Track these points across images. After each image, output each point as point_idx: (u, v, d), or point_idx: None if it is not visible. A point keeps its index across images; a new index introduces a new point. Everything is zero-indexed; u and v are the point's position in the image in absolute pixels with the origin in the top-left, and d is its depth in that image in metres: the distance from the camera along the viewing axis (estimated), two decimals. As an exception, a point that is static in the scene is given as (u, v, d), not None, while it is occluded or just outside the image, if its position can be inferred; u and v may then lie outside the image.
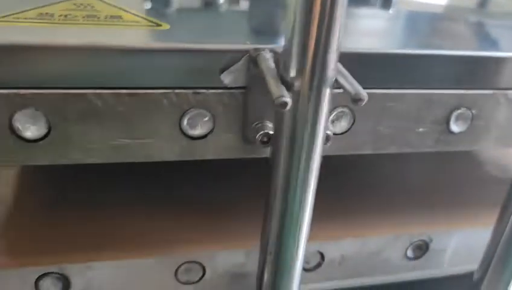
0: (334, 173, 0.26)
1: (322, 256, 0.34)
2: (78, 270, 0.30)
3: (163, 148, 0.27)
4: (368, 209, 0.37)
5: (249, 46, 0.25)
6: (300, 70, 0.22)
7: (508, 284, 0.34)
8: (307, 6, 0.20)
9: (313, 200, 0.26)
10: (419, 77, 0.28)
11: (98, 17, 0.29)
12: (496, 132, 0.31)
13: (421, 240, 0.35)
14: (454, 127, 0.30)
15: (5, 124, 0.25)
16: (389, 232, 0.35)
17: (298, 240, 0.27)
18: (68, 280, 0.31)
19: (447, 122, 0.30)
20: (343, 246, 0.34)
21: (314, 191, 0.25)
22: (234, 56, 0.25)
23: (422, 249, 0.36)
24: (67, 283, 0.31)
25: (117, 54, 0.25)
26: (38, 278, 0.30)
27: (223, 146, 0.28)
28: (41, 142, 0.26)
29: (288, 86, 0.22)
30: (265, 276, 0.28)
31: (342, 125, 0.28)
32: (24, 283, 0.30)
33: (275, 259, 0.28)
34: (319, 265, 0.34)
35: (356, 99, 0.21)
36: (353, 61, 0.24)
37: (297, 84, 0.22)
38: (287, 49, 0.22)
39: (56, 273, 0.30)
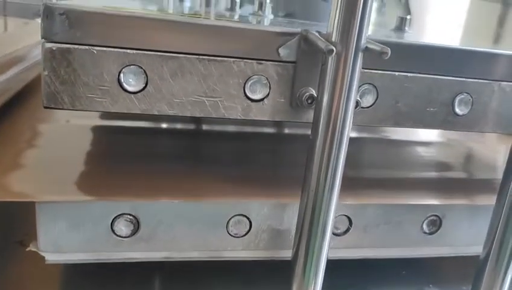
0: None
1: (350, 221, 0.40)
2: (147, 212, 0.37)
3: (230, 107, 0.35)
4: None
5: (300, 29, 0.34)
6: (340, 40, 0.30)
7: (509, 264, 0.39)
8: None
9: (345, 157, 0.33)
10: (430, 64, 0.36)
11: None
12: (493, 117, 0.38)
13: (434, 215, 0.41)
14: (458, 110, 0.37)
15: (115, 77, 0.33)
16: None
17: (331, 194, 0.33)
18: (138, 222, 0.37)
19: (452, 105, 0.37)
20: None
21: (347, 147, 0.32)
22: (289, 37, 0.34)
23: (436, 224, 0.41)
24: (138, 225, 0.37)
25: (206, 28, 0.33)
26: (113, 219, 0.37)
27: (276, 109, 0.35)
28: (139, 94, 0.34)
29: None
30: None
31: (368, 99, 0.36)
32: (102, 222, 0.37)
33: (312, 209, 0.34)
34: (347, 230, 0.40)
35: (382, 53, 0.29)
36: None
37: (338, 48, 0.30)
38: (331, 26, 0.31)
39: (128, 214, 0.37)
